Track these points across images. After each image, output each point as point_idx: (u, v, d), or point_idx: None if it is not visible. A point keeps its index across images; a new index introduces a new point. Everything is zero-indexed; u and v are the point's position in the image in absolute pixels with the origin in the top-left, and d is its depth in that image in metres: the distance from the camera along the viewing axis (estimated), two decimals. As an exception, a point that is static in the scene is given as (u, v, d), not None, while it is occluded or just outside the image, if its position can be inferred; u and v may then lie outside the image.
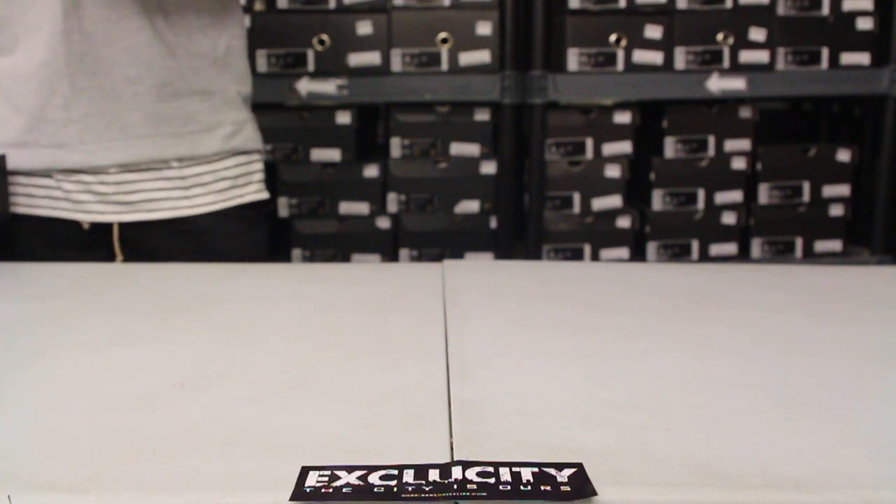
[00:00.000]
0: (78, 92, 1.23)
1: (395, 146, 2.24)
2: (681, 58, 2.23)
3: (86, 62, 1.22)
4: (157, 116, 1.26)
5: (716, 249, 2.35)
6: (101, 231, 1.29)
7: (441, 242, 2.26)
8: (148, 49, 1.24)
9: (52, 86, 1.22)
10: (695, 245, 2.33)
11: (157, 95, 1.26)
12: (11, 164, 1.26)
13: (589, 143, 2.27)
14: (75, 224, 1.29)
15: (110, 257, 1.30)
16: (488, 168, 2.24)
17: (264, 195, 1.37)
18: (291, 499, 0.52)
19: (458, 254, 2.26)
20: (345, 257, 2.26)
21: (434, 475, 0.54)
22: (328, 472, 0.55)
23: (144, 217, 1.29)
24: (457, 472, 0.55)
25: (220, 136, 1.31)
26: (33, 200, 1.29)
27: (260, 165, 1.38)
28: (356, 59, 2.19)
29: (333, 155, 2.23)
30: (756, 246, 2.38)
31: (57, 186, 1.27)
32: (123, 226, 1.29)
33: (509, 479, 0.54)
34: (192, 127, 1.28)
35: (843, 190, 2.38)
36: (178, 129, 1.27)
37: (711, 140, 2.31)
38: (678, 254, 2.34)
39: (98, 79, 1.23)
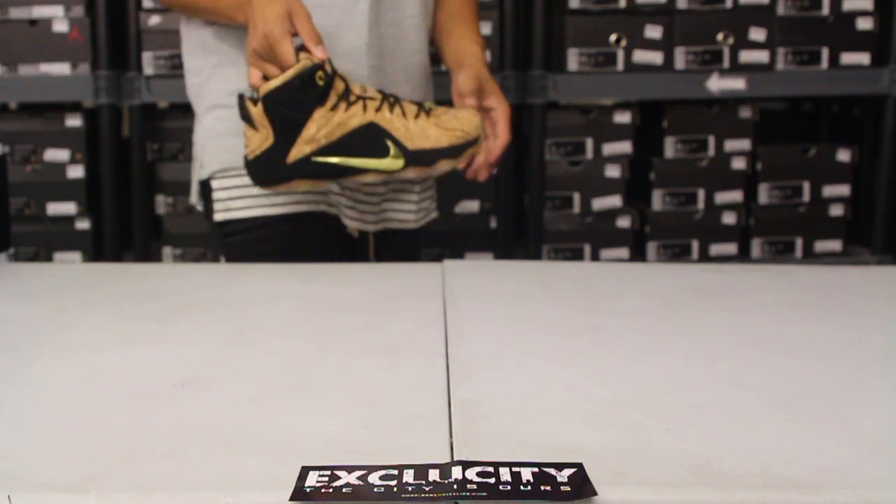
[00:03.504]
0: None
1: (395, 146, 2.24)
2: (681, 58, 2.23)
3: (377, 76, 1.33)
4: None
5: (716, 249, 2.35)
6: (362, 238, 1.39)
7: (441, 242, 2.26)
8: (418, 72, 1.38)
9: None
10: (695, 245, 2.33)
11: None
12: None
13: (589, 143, 2.27)
14: (346, 234, 1.37)
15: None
16: (488, 168, 2.24)
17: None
18: (291, 499, 0.52)
19: (458, 254, 2.26)
20: (345, 257, 2.26)
21: (434, 475, 0.54)
22: (328, 472, 0.55)
23: (388, 226, 1.41)
24: (457, 472, 0.55)
25: None
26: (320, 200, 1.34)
27: None
28: (356, 59, 2.19)
29: (333, 155, 2.23)
30: (756, 246, 2.38)
31: (340, 193, 1.33)
32: (376, 235, 1.40)
33: (509, 479, 0.54)
34: None
35: (843, 190, 2.37)
36: None
37: (711, 140, 2.31)
38: (678, 254, 2.34)
39: (384, 89, 1.33)
